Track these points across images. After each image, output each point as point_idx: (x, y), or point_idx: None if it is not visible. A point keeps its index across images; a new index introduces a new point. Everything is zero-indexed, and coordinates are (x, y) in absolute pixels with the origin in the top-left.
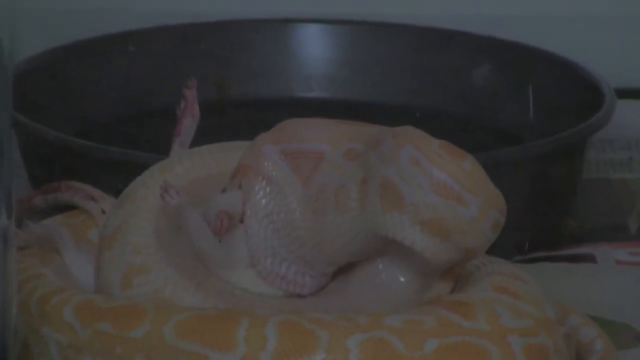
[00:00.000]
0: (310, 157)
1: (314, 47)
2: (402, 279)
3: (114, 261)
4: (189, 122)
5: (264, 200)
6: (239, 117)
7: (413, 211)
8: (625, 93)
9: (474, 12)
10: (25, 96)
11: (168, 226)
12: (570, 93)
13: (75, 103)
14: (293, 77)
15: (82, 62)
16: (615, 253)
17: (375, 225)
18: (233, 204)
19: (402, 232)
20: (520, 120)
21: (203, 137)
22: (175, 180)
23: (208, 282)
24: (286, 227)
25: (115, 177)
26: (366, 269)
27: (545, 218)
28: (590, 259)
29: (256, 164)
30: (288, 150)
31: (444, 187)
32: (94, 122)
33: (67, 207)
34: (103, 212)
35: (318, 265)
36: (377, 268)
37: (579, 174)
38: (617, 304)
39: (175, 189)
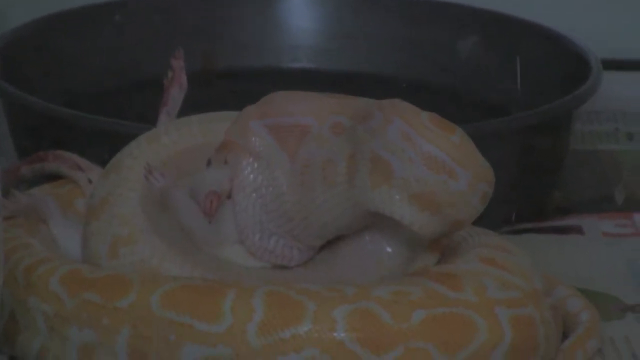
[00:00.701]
0: (296, 130)
1: (301, 18)
2: (389, 250)
3: (101, 232)
4: (176, 92)
5: (251, 176)
6: (226, 88)
7: (403, 185)
8: (612, 64)
9: None
10: (11, 67)
11: (155, 197)
12: (557, 65)
13: (61, 74)
14: (280, 48)
15: (69, 32)
16: (602, 224)
17: (364, 200)
18: (220, 181)
19: (392, 206)
20: (506, 92)
21: (190, 108)
22: (162, 150)
23: (195, 253)
24: (274, 202)
25: (102, 147)
26: (353, 241)
27: (531, 190)
28: (577, 230)
29: (243, 140)
30: (274, 124)
31: (434, 162)
32: (81, 93)
33: (54, 177)
34: (90, 181)
35: (306, 239)
36: (364, 240)
37: (565, 146)
38: (604, 275)
39: (159, 170)
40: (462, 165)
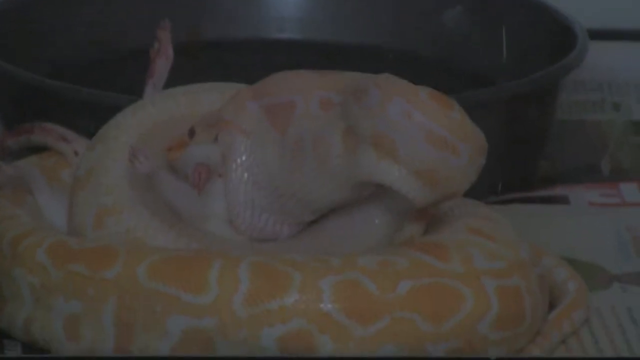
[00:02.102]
0: (285, 108)
1: None
2: (376, 222)
3: (86, 202)
4: (162, 63)
5: (244, 156)
6: (211, 59)
7: (408, 162)
8: (598, 34)
9: None
10: None
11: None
12: (543, 34)
13: (47, 46)
14: (266, 19)
15: (54, 4)
16: (588, 194)
17: (364, 172)
18: (209, 156)
19: (399, 181)
20: (492, 62)
21: (176, 79)
22: (147, 120)
23: (181, 223)
24: (265, 179)
25: (88, 119)
26: (341, 212)
27: (518, 160)
28: (563, 200)
29: (237, 119)
30: (268, 104)
31: (437, 139)
32: (67, 65)
33: (40, 149)
34: (76, 153)
35: (297, 215)
36: (352, 211)
37: (551, 116)
38: (590, 245)
39: (143, 153)
40: (463, 140)
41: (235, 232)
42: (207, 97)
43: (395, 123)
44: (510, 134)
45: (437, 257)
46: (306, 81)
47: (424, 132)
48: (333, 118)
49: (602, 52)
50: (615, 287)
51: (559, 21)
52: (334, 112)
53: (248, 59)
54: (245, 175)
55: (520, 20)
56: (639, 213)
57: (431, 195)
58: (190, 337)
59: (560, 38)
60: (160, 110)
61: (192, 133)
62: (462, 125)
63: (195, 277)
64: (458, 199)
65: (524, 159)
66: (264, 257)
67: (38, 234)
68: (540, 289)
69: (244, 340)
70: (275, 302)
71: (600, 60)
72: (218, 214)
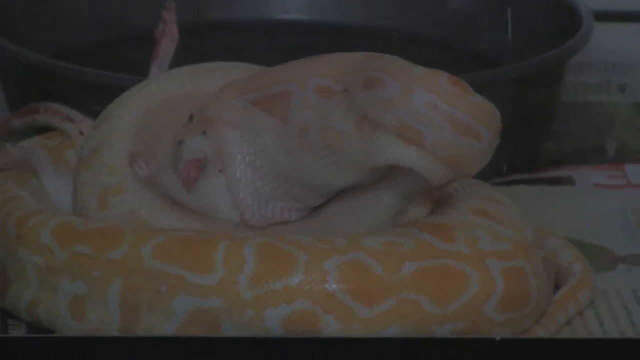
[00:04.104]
0: (280, 97)
1: None
2: (386, 201)
3: (90, 182)
4: (167, 44)
5: (237, 146)
6: (216, 39)
7: (434, 149)
8: (604, 16)
9: None
10: (1, 21)
11: (145, 147)
12: (548, 16)
13: (53, 27)
14: (270, 0)
15: None
16: (594, 176)
17: (388, 159)
18: (197, 150)
19: (424, 166)
20: (497, 44)
21: (181, 60)
22: (151, 98)
23: None
24: (265, 165)
25: (93, 100)
26: (347, 193)
27: (523, 141)
28: (568, 181)
29: (223, 115)
30: (257, 98)
31: (462, 125)
32: (73, 46)
33: (45, 129)
34: (81, 133)
35: (304, 199)
36: (359, 191)
37: (557, 97)
38: (596, 226)
39: (143, 159)
40: (485, 124)
41: (246, 225)
42: (211, 76)
43: (420, 114)
44: (516, 116)
45: (442, 239)
46: (295, 70)
47: (450, 120)
48: (339, 107)
49: (608, 34)
50: (620, 268)
51: (565, 2)
52: (337, 101)
53: (253, 40)
54: (242, 165)
55: (525, 2)
56: None
57: (450, 176)
58: (195, 317)
59: (566, 19)
60: (165, 89)
61: (190, 119)
62: (483, 108)
63: (200, 257)
64: (463, 180)
65: (530, 140)
66: (269, 238)
67: (43, 214)
68: (545, 270)
69: (249, 321)
70: (280, 283)
71: (605, 42)
72: (225, 209)
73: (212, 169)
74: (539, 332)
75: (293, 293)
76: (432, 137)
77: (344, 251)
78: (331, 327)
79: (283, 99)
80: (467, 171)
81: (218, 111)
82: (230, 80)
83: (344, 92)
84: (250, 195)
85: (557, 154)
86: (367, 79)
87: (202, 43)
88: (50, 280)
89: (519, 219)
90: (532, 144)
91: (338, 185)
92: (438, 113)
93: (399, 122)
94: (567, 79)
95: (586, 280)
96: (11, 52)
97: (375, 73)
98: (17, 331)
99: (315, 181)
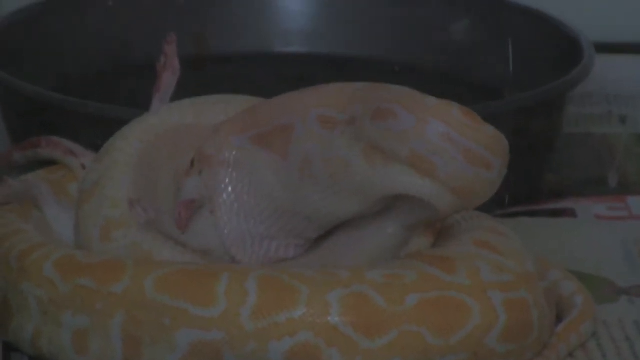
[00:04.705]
0: (280, 132)
1: (292, 2)
2: (389, 231)
3: (93, 215)
4: (169, 77)
5: (230, 187)
6: (218, 72)
7: (447, 180)
8: (605, 47)
9: None
10: (3, 52)
11: (146, 179)
12: (550, 47)
13: (54, 58)
14: (271, 32)
15: (60, 17)
16: (595, 207)
17: (398, 189)
18: (192, 191)
19: (435, 197)
20: (499, 75)
21: (182, 92)
22: (151, 130)
23: None
24: (261, 204)
25: (95, 133)
26: (352, 222)
27: (525, 172)
28: (570, 213)
29: (220, 153)
30: (256, 135)
31: (475, 156)
32: (73, 78)
33: (47, 163)
34: (83, 167)
35: (301, 233)
36: (361, 222)
37: (558, 129)
38: (597, 258)
39: (142, 205)
40: (496, 155)
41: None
42: (212, 108)
43: (435, 146)
44: (517, 147)
45: (444, 270)
46: (296, 102)
47: (463, 152)
48: (344, 137)
49: (609, 65)
50: (622, 300)
51: (566, 34)
52: (341, 131)
53: (254, 72)
54: (236, 206)
55: (527, 33)
56: None
57: (459, 206)
58: (198, 350)
59: (567, 51)
60: (166, 122)
61: (192, 163)
62: (494, 138)
63: (203, 290)
64: (465, 212)
65: (531, 171)
66: (272, 271)
67: (45, 248)
68: (547, 302)
69: (251, 354)
70: (283, 315)
71: (606, 73)
72: (219, 249)
73: (206, 209)
74: None
75: (296, 325)
76: (445, 167)
77: (347, 283)
78: (334, 359)
79: (283, 134)
80: (475, 201)
81: (215, 150)
82: (228, 118)
83: (349, 122)
84: (243, 237)
85: (559, 185)
86: (376, 110)
87: (203, 76)
88: (53, 313)
89: (521, 251)
90: (534, 175)
91: (340, 216)
92: (452, 144)
93: (412, 153)
94: (568, 109)
95: (588, 312)
96: (12, 85)
97: (386, 104)
98: None
99: (316, 214)
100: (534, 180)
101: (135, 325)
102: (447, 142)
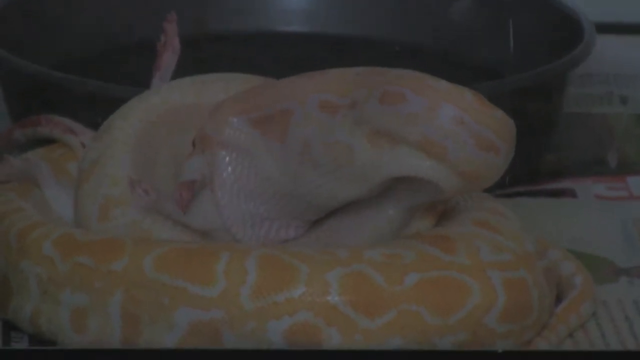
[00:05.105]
0: (280, 117)
1: None
2: (390, 212)
3: (92, 193)
4: (169, 56)
5: (229, 168)
6: (218, 51)
7: (455, 163)
8: (606, 27)
9: None
10: (2, 32)
11: (146, 157)
12: (550, 28)
13: (54, 38)
14: (271, 11)
15: None
16: (595, 188)
17: (406, 171)
18: (193, 171)
19: (443, 180)
20: (499, 55)
21: (182, 71)
22: (152, 109)
23: None
24: (261, 187)
25: (95, 111)
26: (353, 204)
27: (525, 153)
28: (570, 193)
29: (219, 135)
30: (256, 118)
31: (486, 142)
32: (73, 58)
33: (47, 141)
34: (83, 145)
35: (301, 215)
36: (364, 203)
37: (558, 109)
38: (597, 238)
39: (143, 186)
40: (505, 140)
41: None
42: (213, 87)
43: (447, 130)
44: (517, 127)
45: (443, 250)
46: (296, 87)
47: (475, 137)
48: (345, 122)
49: (610, 46)
50: (622, 280)
51: (566, 14)
52: (343, 115)
53: (254, 52)
54: (236, 187)
55: (527, 13)
56: None
57: (465, 188)
58: (197, 329)
59: (568, 31)
60: (166, 100)
61: (193, 145)
62: (504, 123)
63: (202, 269)
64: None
65: (531, 152)
66: (272, 250)
67: (45, 226)
68: (546, 282)
69: (251, 333)
70: (282, 295)
71: (607, 54)
72: (220, 230)
73: (207, 190)
74: (541, 344)
75: (295, 305)
76: (456, 151)
77: (346, 263)
78: (333, 338)
79: (282, 118)
80: (481, 184)
81: (215, 130)
82: (229, 97)
83: (350, 106)
84: (243, 218)
85: (559, 165)
86: (384, 94)
87: (203, 55)
88: (52, 292)
89: (520, 231)
90: (534, 156)
91: (340, 199)
92: (464, 129)
93: (422, 136)
94: (568, 90)
95: (588, 292)
96: (12, 64)
97: (393, 87)
98: (20, 344)
99: (317, 197)
100: (534, 161)
101: (134, 304)
102: (460, 127)
